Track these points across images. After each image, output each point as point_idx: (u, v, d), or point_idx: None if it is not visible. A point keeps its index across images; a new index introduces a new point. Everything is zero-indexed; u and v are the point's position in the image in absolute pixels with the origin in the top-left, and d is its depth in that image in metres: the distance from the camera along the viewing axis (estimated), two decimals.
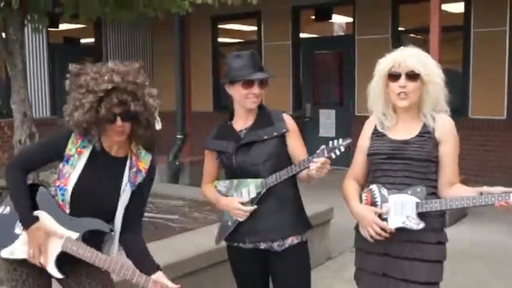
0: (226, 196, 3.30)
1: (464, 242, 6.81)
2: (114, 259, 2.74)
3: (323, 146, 2.94)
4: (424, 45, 7.97)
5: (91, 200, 2.80)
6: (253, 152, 3.22)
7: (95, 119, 2.66)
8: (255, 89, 3.20)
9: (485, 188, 2.82)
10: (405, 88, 2.93)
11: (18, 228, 2.84)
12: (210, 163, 3.46)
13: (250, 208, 3.18)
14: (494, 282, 5.64)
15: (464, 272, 5.85)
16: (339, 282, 5.24)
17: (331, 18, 12.36)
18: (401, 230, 2.94)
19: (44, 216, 2.81)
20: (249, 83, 3.19)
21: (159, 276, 2.77)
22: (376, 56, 3.13)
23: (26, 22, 6.34)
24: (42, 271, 2.87)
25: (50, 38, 12.34)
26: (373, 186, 3.04)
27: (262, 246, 3.24)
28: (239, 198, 3.22)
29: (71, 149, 2.83)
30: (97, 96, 2.64)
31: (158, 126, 2.90)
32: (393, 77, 2.96)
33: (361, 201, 3.10)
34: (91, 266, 2.78)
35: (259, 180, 3.17)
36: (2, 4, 5.84)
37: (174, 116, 11.03)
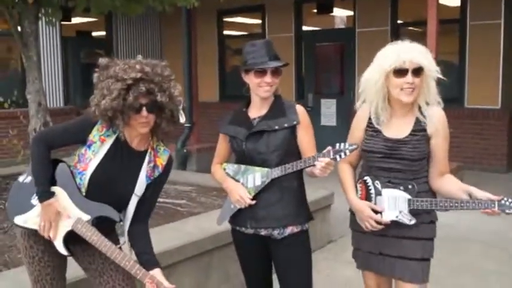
0: (233, 179, 3.28)
1: (460, 225, 6.81)
2: (117, 249, 2.73)
3: (329, 147, 2.88)
4: (422, 37, 7.95)
5: (107, 187, 2.80)
6: (262, 141, 3.17)
7: (121, 107, 2.66)
8: (267, 78, 3.14)
9: (473, 189, 2.88)
10: (413, 84, 2.90)
11: (35, 200, 2.84)
12: (222, 145, 3.43)
13: (251, 201, 3.14)
14: (487, 263, 5.65)
15: (459, 254, 5.87)
16: (340, 264, 5.27)
17: (332, 12, 12.33)
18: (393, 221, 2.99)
19: (60, 193, 2.81)
20: (261, 72, 3.15)
21: (156, 272, 2.75)
22: (375, 48, 3.10)
23: (40, 16, 6.35)
24: (54, 249, 2.88)
25: (63, 31, 12.34)
26: (367, 178, 3.06)
27: (263, 232, 3.22)
28: (243, 187, 3.20)
29: (94, 135, 2.83)
30: (125, 83, 2.64)
31: (182, 119, 2.94)
32: (400, 72, 2.90)
33: (356, 191, 3.13)
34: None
35: (265, 170, 3.13)
36: None
37: (182, 105, 10.99)
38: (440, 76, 3.04)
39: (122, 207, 2.85)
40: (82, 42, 13.47)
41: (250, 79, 3.20)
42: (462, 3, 10.37)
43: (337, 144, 2.88)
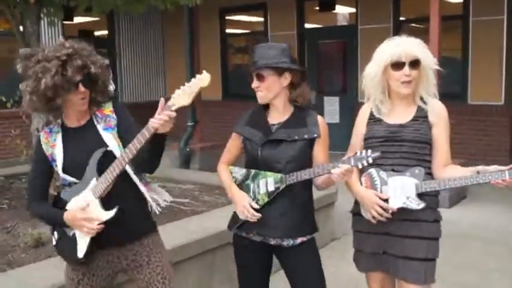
0: (241, 184, 3.18)
1: (463, 223, 6.81)
2: (123, 153, 2.66)
3: (350, 155, 2.79)
4: (424, 34, 7.93)
5: (86, 163, 2.78)
6: (279, 150, 3.07)
7: (62, 82, 2.67)
8: (254, 82, 3.10)
9: (480, 167, 2.84)
10: (410, 76, 2.94)
11: (69, 229, 2.83)
12: (234, 144, 3.32)
13: (257, 214, 3.04)
14: (489, 261, 5.64)
15: (462, 251, 5.87)
16: (344, 261, 5.25)
17: (334, 9, 12.30)
18: (400, 210, 2.95)
19: (72, 203, 2.80)
20: (252, 77, 3.12)
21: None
22: (378, 45, 3.11)
23: (42, 15, 6.35)
24: (96, 271, 2.89)
25: (66, 31, 12.35)
26: (372, 170, 3.03)
27: (272, 242, 3.15)
28: (251, 201, 3.08)
29: (47, 149, 2.86)
30: (60, 60, 2.67)
31: (112, 86, 2.99)
32: (397, 65, 2.95)
33: (361, 184, 3.10)
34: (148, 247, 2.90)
35: (278, 175, 3.02)
36: None
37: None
38: (438, 67, 3.07)
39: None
40: (84, 41, 13.44)
41: None
42: None
43: (358, 152, 2.78)
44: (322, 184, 3.10)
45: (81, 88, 2.74)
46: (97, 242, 2.78)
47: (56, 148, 2.85)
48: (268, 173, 3.06)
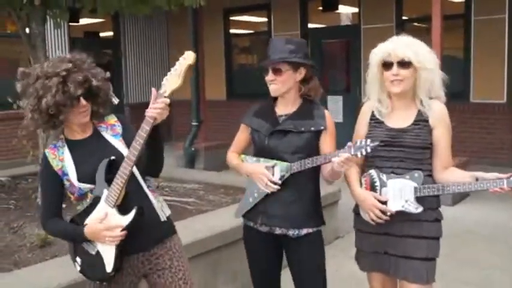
0: None
1: (466, 221, 6.79)
2: (131, 148, 2.61)
3: (350, 143, 2.82)
4: (427, 33, 7.90)
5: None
6: (286, 141, 3.10)
7: (64, 100, 2.63)
8: (269, 75, 3.10)
9: (480, 173, 2.83)
10: (398, 76, 2.93)
11: (92, 247, 2.78)
12: (242, 136, 3.36)
13: (276, 186, 3.05)
14: (491, 258, 5.61)
15: (464, 249, 5.84)
16: (347, 260, 5.23)
17: (337, 9, 12.28)
18: (400, 211, 2.94)
19: (88, 219, 2.75)
20: (265, 70, 3.12)
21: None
22: None
23: (47, 17, 6.35)
24: (121, 278, 2.84)
25: (71, 33, 12.36)
26: (372, 171, 3.02)
27: (278, 231, 3.16)
28: (265, 166, 3.10)
29: (57, 164, 2.80)
30: (60, 76, 2.62)
31: (115, 101, 2.92)
32: (386, 65, 2.96)
33: (360, 185, 3.09)
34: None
35: (284, 163, 3.06)
36: (25, 0, 5.84)
37: (190, 104, 11.05)
38: (433, 67, 3.01)
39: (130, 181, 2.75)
40: (90, 42, 13.47)
41: None
42: None
43: (358, 141, 2.82)
44: (329, 177, 3.11)
45: (83, 102, 2.70)
46: (122, 251, 2.74)
47: (65, 161, 2.80)
48: (276, 162, 3.09)
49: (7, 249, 4.48)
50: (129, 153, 2.62)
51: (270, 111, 3.23)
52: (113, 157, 2.73)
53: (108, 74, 2.87)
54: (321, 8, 12.43)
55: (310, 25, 12.61)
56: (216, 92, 13.15)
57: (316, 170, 3.13)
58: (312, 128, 3.10)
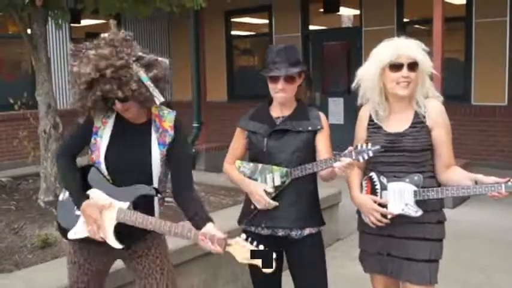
0: (250, 178, 3.21)
1: (467, 223, 6.78)
2: (162, 221, 2.69)
3: (351, 148, 2.83)
4: (428, 35, 7.91)
5: (125, 167, 2.78)
6: (285, 140, 3.13)
7: (93, 103, 2.68)
8: (280, 85, 3.10)
9: (479, 177, 2.84)
10: (408, 78, 2.90)
11: (77, 210, 2.84)
12: (238, 141, 3.35)
13: (274, 203, 3.09)
14: (493, 260, 5.61)
15: (466, 251, 5.84)
16: (349, 261, 5.24)
17: (339, 11, 12.26)
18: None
19: (95, 194, 2.81)
20: (274, 78, 3.11)
21: (208, 227, 2.68)
22: None
23: (49, 18, 6.35)
24: (99, 256, 2.91)
25: (73, 33, 12.34)
26: (373, 174, 3.03)
27: (280, 233, 3.17)
28: (265, 185, 3.12)
29: (97, 123, 2.85)
30: (98, 69, 2.63)
31: (160, 99, 2.74)
32: (395, 67, 2.92)
33: (361, 188, 3.09)
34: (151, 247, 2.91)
35: (284, 169, 3.08)
36: (27, 1, 5.84)
37: (191, 105, 11.04)
38: (433, 71, 3.05)
39: (150, 183, 2.81)
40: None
41: (268, 84, 3.17)
42: (468, 1, 10.29)
43: (359, 145, 2.83)
44: (327, 177, 3.13)
45: (118, 105, 2.71)
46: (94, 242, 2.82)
47: (105, 128, 2.84)
48: (275, 168, 3.10)
49: (8, 250, 4.48)
50: (158, 222, 2.69)
51: (266, 114, 3.27)
52: (151, 192, 2.77)
53: (162, 65, 2.83)
54: (322, 9, 12.42)
55: (311, 27, 12.60)
56: (217, 94, 13.15)
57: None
58: (310, 128, 3.16)
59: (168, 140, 2.85)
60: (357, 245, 3.31)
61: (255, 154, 3.24)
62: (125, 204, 2.74)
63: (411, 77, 2.91)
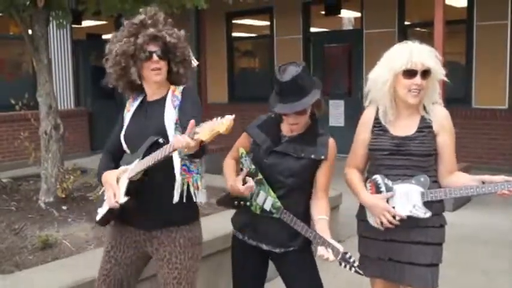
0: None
1: (467, 226, 6.78)
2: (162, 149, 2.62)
3: (342, 250, 2.77)
4: (429, 38, 7.91)
5: (142, 136, 2.79)
6: (283, 163, 3.01)
7: (132, 50, 2.74)
8: (291, 119, 2.97)
9: (486, 177, 2.82)
10: (420, 86, 2.88)
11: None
12: (242, 142, 3.25)
13: (250, 185, 2.92)
14: (495, 263, 5.61)
15: (467, 254, 5.84)
16: None
17: (340, 13, 12.29)
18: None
19: (119, 169, 2.85)
20: (285, 114, 2.98)
21: None
22: (383, 49, 3.07)
23: (50, 19, 6.36)
24: (124, 247, 2.96)
25: (74, 35, 12.35)
26: (377, 177, 3.00)
27: (265, 248, 3.11)
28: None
29: (125, 113, 2.99)
30: (132, 27, 2.79)
31: (195, 63, 2.98)
32: (409, 74, 2.87)
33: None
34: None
35: (278, 203, 2.96)
36: (28, 2, 5.85)
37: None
38: (445, 78, 3.03)
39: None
40: (92, 45, 13.47)
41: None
42: (469, 4, 10.32)
43: (348, 254, 2.77)
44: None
45: (155, 58, 2.77)
46: (120, 218, 2.89)
47: (127, 114, 2.96)
48: (272, 194, 3.00)
49: (8, 251, 4.48)
50: (149, 157, 2.64)
51: (275, 128, 3.14)
52: (161, 140, 2.73)
53: (183, 32, 2.94)
54: (323, 12, 12.45)
55: (312, 29, 12.62)
56: (218, 95, 13.16)
57: (307, 193, 3.07)
58: (312, 156, 3.00)
59: (176, 103, 2.87)
60: (357, 248, 3.30)
61: (254, 162, 3.13)
62: (136, 162, 2.73)
63: (423, 84, 2.87)
